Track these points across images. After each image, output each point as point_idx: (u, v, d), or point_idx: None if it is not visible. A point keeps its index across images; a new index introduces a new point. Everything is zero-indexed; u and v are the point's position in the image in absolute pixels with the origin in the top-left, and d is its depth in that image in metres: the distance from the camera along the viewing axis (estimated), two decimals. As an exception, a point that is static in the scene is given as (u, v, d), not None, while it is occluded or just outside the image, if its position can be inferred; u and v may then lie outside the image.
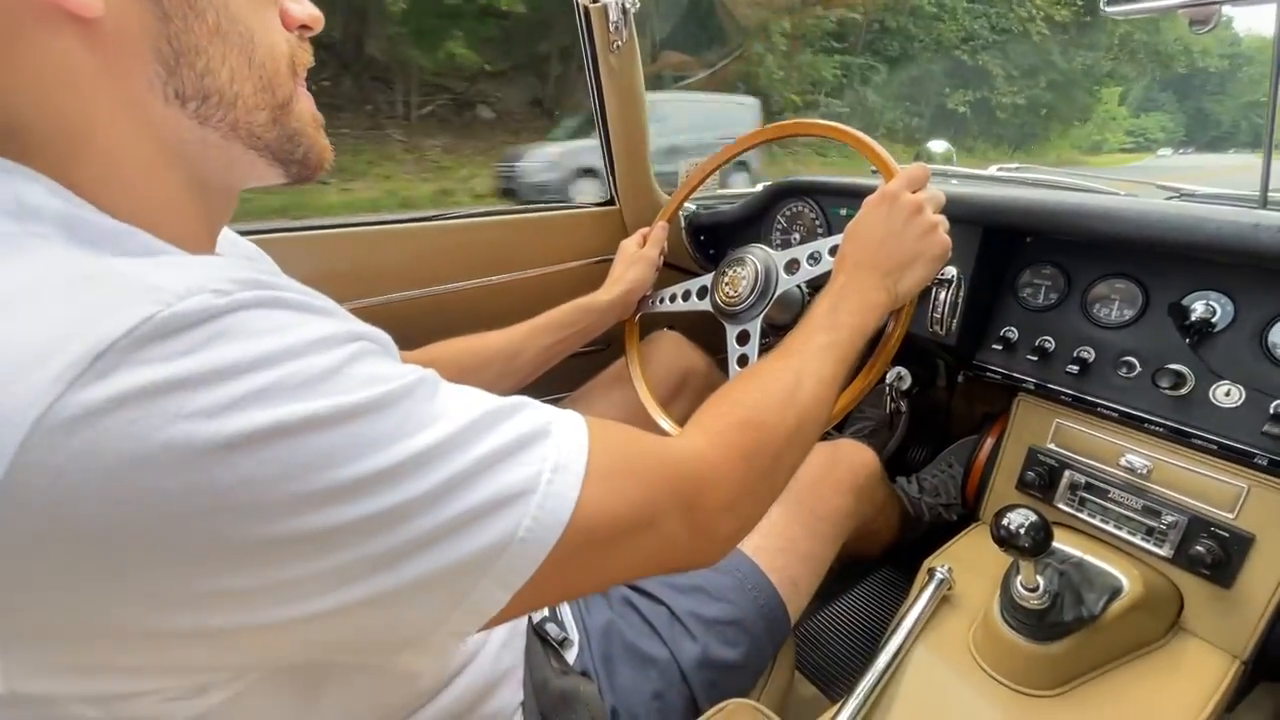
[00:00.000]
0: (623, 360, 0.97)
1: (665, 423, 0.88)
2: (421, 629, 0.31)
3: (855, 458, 0.88)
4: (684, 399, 1.01)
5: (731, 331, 0.85)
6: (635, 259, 0.95)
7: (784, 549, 0.74)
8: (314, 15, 0.40)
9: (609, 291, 0.93)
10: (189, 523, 0.24)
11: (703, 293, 0.91)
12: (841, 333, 0.60)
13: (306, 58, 0.40)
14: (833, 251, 0.76)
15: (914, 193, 0.68)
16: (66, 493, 0.22)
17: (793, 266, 0.80)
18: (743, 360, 0.84)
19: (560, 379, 1.07)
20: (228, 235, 0.52)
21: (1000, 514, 0.58)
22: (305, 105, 0.40)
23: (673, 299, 0.95)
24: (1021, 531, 0.56)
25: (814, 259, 0.78)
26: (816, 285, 0.81)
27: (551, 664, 0.57)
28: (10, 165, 0.30)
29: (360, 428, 0.28)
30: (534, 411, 0.35)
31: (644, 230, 0.99)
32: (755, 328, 0.83)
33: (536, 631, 0.59)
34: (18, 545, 0.23)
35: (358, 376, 0.29)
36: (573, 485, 0.33)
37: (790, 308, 0.88)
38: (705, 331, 0.91)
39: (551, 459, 0.33)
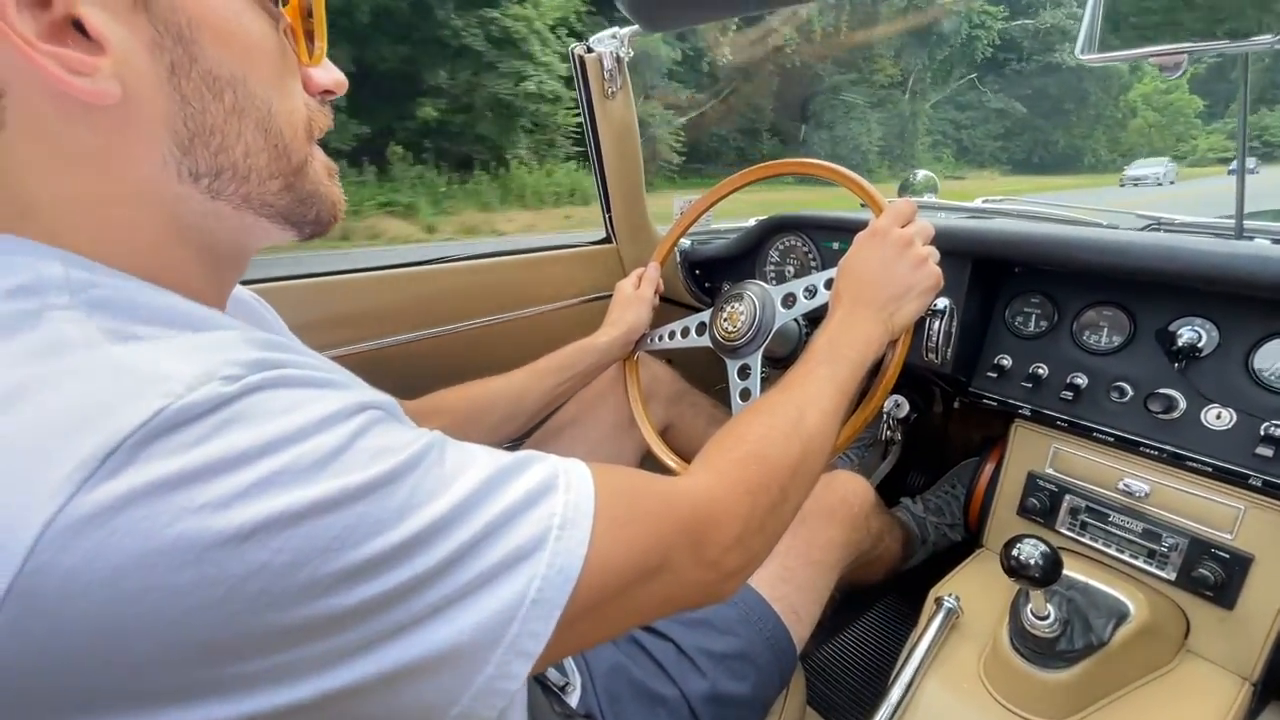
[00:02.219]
0: (606, 381, 0.98)
1: (670, 460, 0.89)
2: (438, 705, 0.30)
3: (849, 488, 0.89)
4: (674, 432, 1.03)
5: (732, 366, 0.87)
6: (631, 301, 0.97)
7: (784, 578, 0.74)
8: (338, 81, 0.40)
9: (607, 334, 0.94)
10: (200, 615, 0.24)
11: (701, 329, 0.92)
12: (841, 365, 0.61)
13: (325, 121, 0.40)
14: (828, 285, 0.78)
15: (903, 227, 0.70)
16: (78, 592, 0.22)
17: (789, 300, 0.82)
18: (745, 394, 0.86)
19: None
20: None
21: (1010, 545, 0.59)
22: (318, 163, 0.40)
23: (671, 336, 0.97)
24: (1032, 562, 0.57)
25: (810, 292, 0.80)
26: (813, 318, 0.83)
27: (554, 709, 0.56)
28: (30, 245, 0.30)
29: (369, 507, 0.28)
30: (540, 467, 0.35)
31: (639, 271, 1.01)
32: (756, 361, 0.85)
33: (535, 678, 0.59)
34: (30, 645, 0.22)
35: (366, 451, 0.29)
36: (581, 540, 0.33)
37: (788, 341, 0.90)
38: (704, 365, 0.92)
39: (559, 514, 0.33)
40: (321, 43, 0.38)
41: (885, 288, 0.68)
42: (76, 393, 0.25)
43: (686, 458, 0.89)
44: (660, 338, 0.98)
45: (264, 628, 0.25)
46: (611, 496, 0.36)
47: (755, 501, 0.46)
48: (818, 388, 0.58)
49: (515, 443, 1.00)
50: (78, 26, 0.29)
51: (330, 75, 0.40)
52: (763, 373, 1.11)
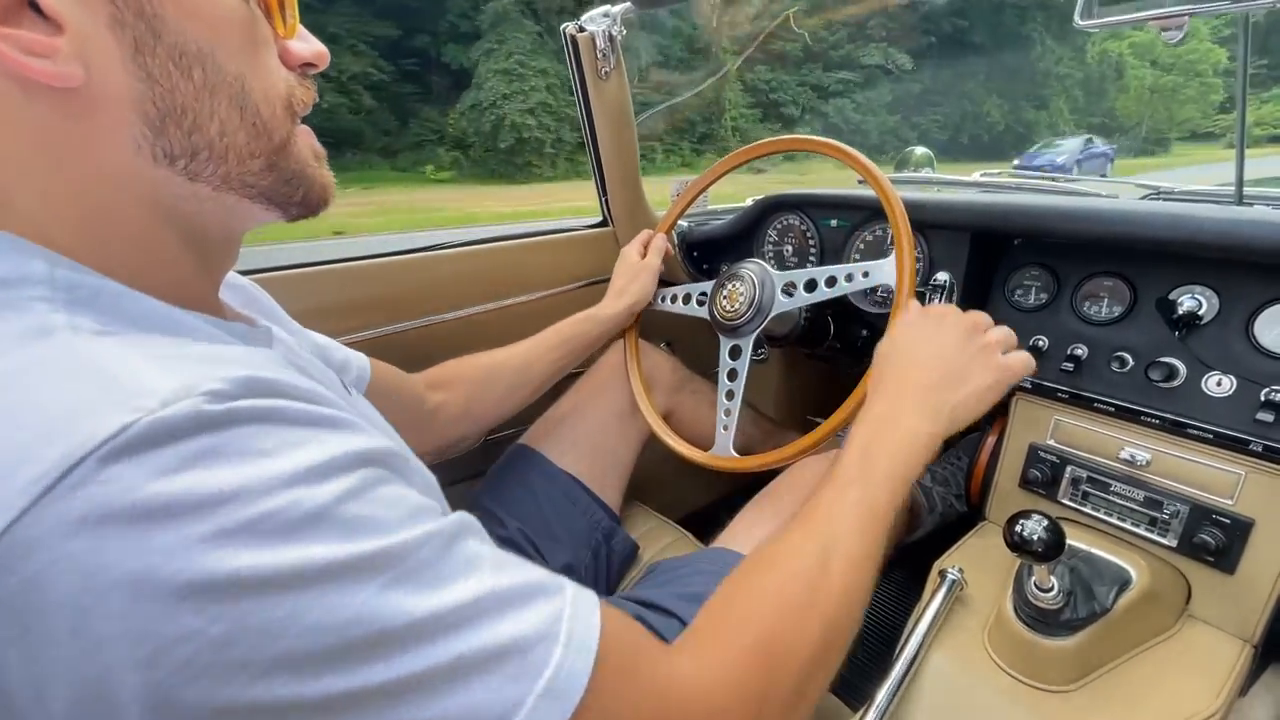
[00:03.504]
0: (607, 371, 0.98)
1: (673, 442, 0.89)
2: None
3: None
4: (676, 418, 1.02)
5: (725, 344, 0.88)
6: (639, 271, 0.96)
7: None
8: (319, 53, 0.39)
9: (614, 305, 0.93)
10: (119, 673, 0.22)
11: (702, 299, 0.93)
12: (878, 485, 0.49)
13: (308, 96, 0.38)
14: (830, 282, 0.78)
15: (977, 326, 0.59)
16: (12, 617, 0.21)
17: (789, 289, 0.82)
18: (732, 374, 0.87)
19: (554, 396, 1.08)
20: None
21: (1013, 520, 0.59)
22: (303, 144, 0.38)
23: (673, 300, 0.97)
24: (1035, 538, 0.57)
25: (810, 286, 0.80)
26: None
27: None
28: (15, 241, 0.29)
29: (331, 593, 0.24)
30: (545, 604, 0.30)
31: (643, 238, 1.00)
32: (748, 344, 0.86)
33: None
34: None
35: (348, 521, 0.26)
36: (559, 716, 0.28)
37: (787, 321, 0.90)
38: (706, 350, 0.92)
39: (546, 677, 0.28)
40: (293, 12, 0.36)
41: (940, 370, 0.54)
42: (47, 391, 0.24)
43: (689, 442, 0.89)
44: (663, 299, 0.98)
45: (181, 702, 0.22)
46: (608, 675, 0.30)
47: (764, 704, 0.39)
48: (846, 523, 0.47)
49: (517, 430, 1.00)
50: (33, 7, 0.27)
51: (309, 47, 0.38)
52: (762, 353, 1.11)
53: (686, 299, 0.95)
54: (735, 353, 0.87)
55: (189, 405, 0.24)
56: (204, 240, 0.36)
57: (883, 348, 0.59)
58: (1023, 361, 0.59)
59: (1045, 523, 0.57)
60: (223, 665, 0.23)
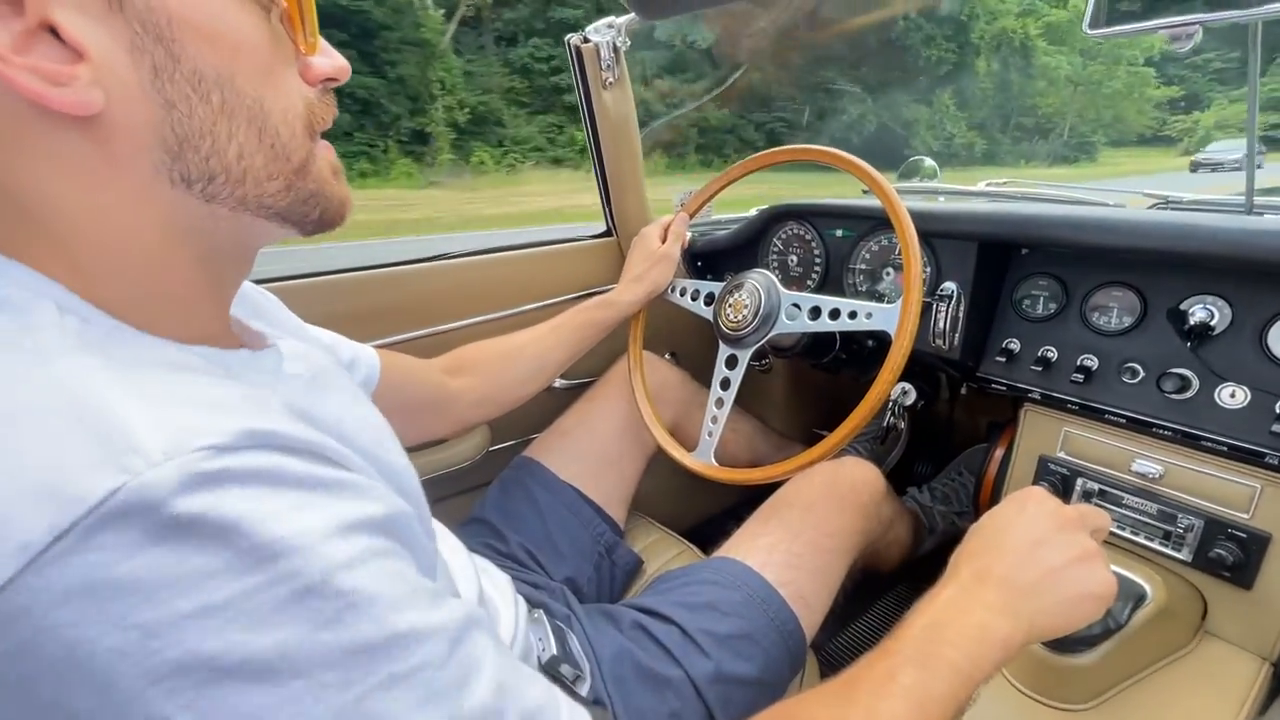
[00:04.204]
0: (613, 383, 0.98)
1: (678, 454, 0.89)
2: None
3: (858, 475, 0.88)
4: (682, 433, 1.01)
5: (724, 352, 0.88)
6: (659, 258, 0.95)
7: (791, 564, 0.74)
8: (340, 67, 0.38)
9: (631, 291, 0.93)
10: None
11: (710, 299, 0.93)
12: (936, 675, 0.41)
13: (328, 113, 0.38)
14: (834, 315, 0.77)
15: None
16: (17, 673, 0.21)
17: (794, 311, 0.82)
18: (725, 383, 0.87)
19: (555, 408, 1.07)
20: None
21: None
22: (323, 161, 0.38)
23: (683, 293, 0.97)
24: None
25: (814, 313, 0.80)
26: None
27: None
28: (27, 276, 0.29)
29: (318, 686, 0.23)
30: None
31: (665, 220, 0.99)
32: (746, 356, 0.86)
33: (548, 671, 0.59)
34: None
35: (341, 602, 0.25)
36: None
37: (790, 333, 0.89)
38: (709, 355, 0.91)
39: None
40: (313, 28, 0.36)
41: (1034, 568, 0.46)
42: (36, 441, 0.23)
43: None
44: (673, 289, 0.98)
45: None
46: None
47: None
48: (893, 707, 0.39)
49: (521, 441, 0.99)
50: (53, 33, 0.27)
51: (331, 62, 0.38)
52: (767, 363, 1.11)
53: (695, 295, 0.95)
54: (732, 362, 0.87)
55: (179, 466, 0.23)
56: (218, 258, 0.37)
57: (975, 527, 0.51)
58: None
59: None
60: None
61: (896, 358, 0.71)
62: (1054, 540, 0.47)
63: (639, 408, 0.93)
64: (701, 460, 0.87)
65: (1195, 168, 14.64)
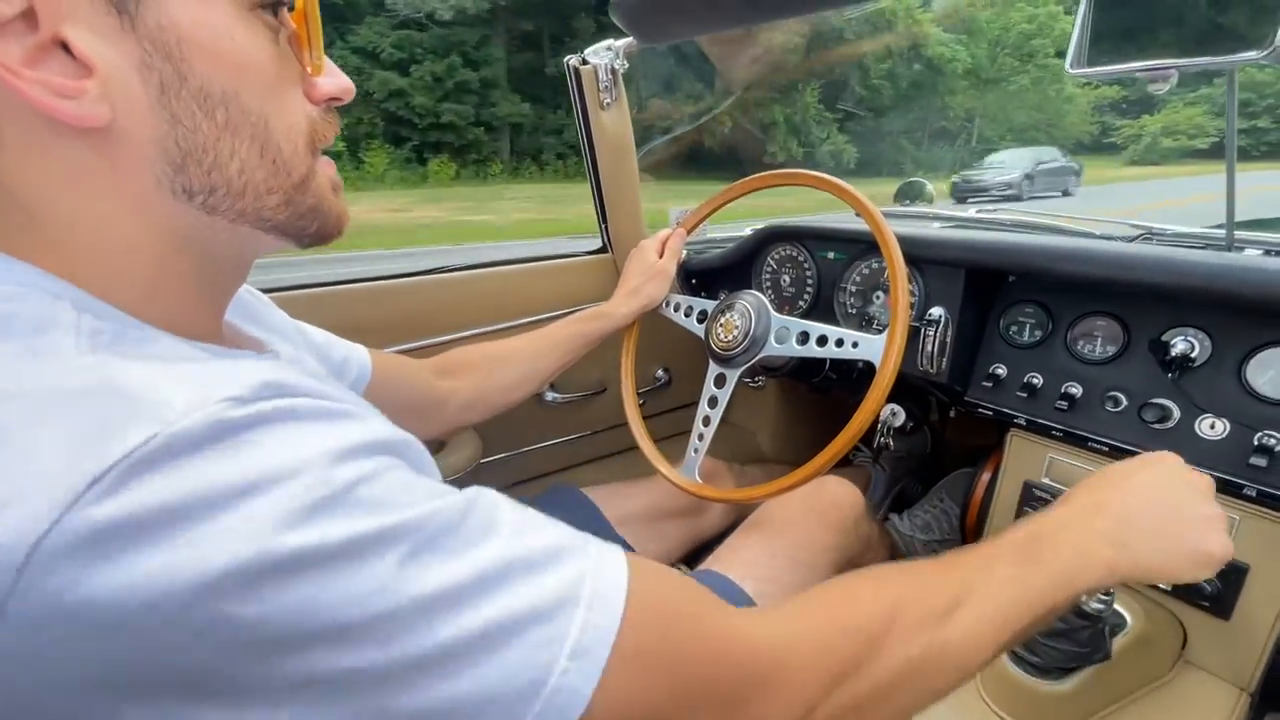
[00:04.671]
0: None
1: (663, 468, 0.89)
2: None
3: (839, 494, 0.89)
4: None
5: (713, 370, 0.89)
6: (655, 273, 0.95)
7: (771, 579, 0.75)
8: (344, 88, 0.39)
9: (626, 305, 0.93)
10: (165, 657, 0.23)
11: (702, 316, 0.93)
12: (1035, 572, 0.42)
13: (330, 131, 0.39)
14: (821, 341, 0.79)
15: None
16: (62, 618, 0.22)
17: (783, 334, 0.82)
18: (712, 401, 0.88)
19: (557, 425, 1.08)
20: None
21: None
22: (323, 177, 0.39)
23: (677, 308, 0.97)
24: None
25: (803, 338, 0.81)
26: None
27: None
28: (42, 279, 0.30)
29: (351, 568, 0.25)
30: (566, 567, 0.30)
31: (662, 235, 0.99)
32: (734, 376, 0.86)
33: None
34: (31, 664, 0.23)
35: (365, 501, 0.27)
36: (588, 680, 0.28)
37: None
38: (700, 373, 0.92)
39: (572, 639, 0.28)
40: (319, 50, 0.37)
41: (1152, 516, 0.46)
42: (71, 413, 0.25)
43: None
44: (667, 304, 0.98)
45: (220, 682, 0.24)
46: (639, 626, 0.30)
47: (835, 684, 0.35)
48: (989, 586, 0.41)
49: (512, 454, 0.99)
50: (64, 48, 0.28)
51: (336, 83, 0.38)
52: (759, 381, 1.12)
53: (689, 312, 0.96)
54: (720, 381, 0.88)
55: (209, 413, 0.25)
56: (216, 266, 0.37)
57: (1107, 469, 0.52)
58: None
59: None
60: (258, 645, 0.24)
61: (879, 390, 0.72)
62: (1182, 493, 0.47)
63: (631, 426, 0.94)
64: (686, 477, 0.88)
65: (959, 193, 11.19)
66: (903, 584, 0.41)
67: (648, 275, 0.95)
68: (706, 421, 0.89)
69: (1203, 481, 0.50)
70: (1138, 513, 0.46)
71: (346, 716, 0.26)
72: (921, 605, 0.39)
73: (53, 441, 0.24)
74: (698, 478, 0.87)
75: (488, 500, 0.32)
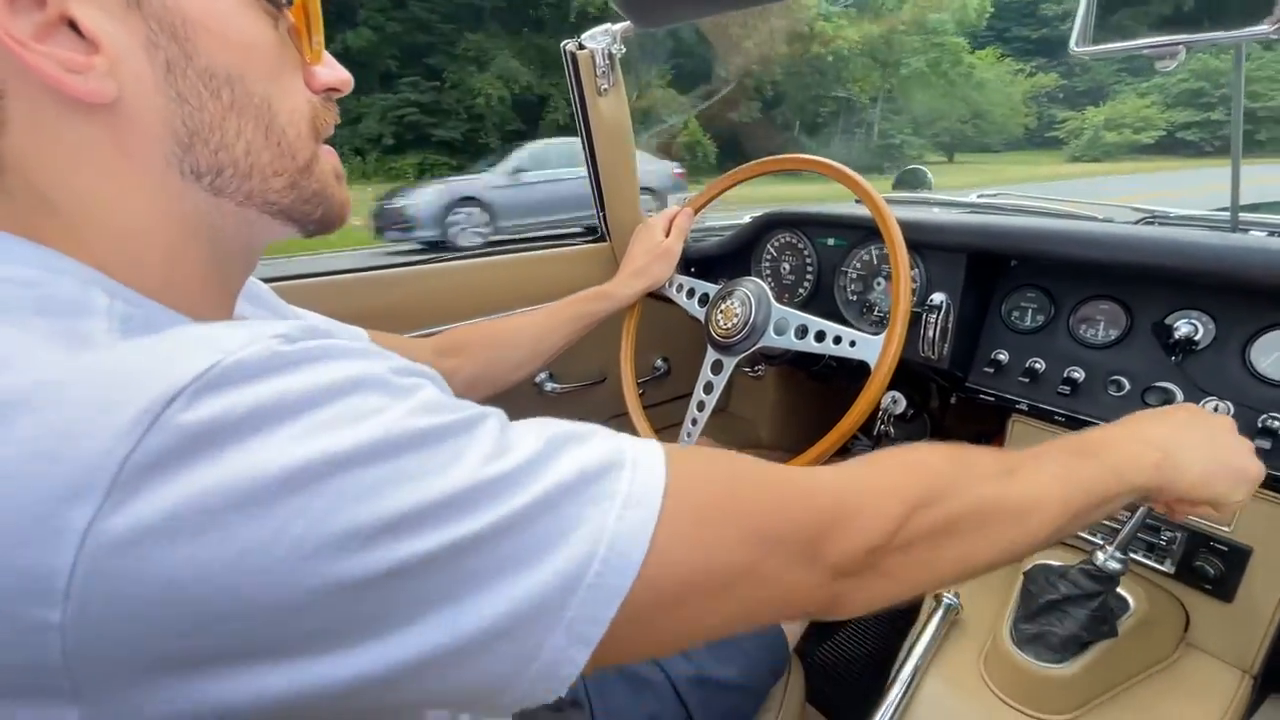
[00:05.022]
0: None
1: (645, 430, 0.89)
2: (492, 686, 0.28)
3: None
4: None
5: (710, 356, 0.88)
6: (661, 253, 0.94)
7: None
8: (343, 79, 0.40)
9: (630, 285, 0.93)
10: (250, 560, 0.24)
11: (704, 300, 0.93)
12: (1085, 464, 0.46)
13: (331, 119, 0.40)
14: (819, 337, 0.78)
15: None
16: (144, 541, 0.23)
17: (782, 326, 0.82)
18: (708, 387, 0.88)
19: (557, 415, 1.07)
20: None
21: None
22: (326, 163, 0.40)
23: (679, 289, 0.96)
24: None
25: (801, 332, 0.80)
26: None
27: None
28: (74, 266, 0.31)
29: (416, 457, 0.27)
30: (604, 440, 0.32)
31: (670, 213, 0.97)
32: (730, 363, 0.86)
33: None
34: (110, 597, 0.23)
35: (419, 405, 0.28)
36: (645, 525, 0.30)
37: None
38: (699, 362, 0.92)
39: (622, 494, 0.30)
40: (319, 39, 0.38)
41: (1195, 431, 0.51)
42: (134, 353, 0.26)
43: None
44: (670, 285, 0.97)
45: (307, 580, 0.24)
46: (689, 483, 0.32)
47: (911, 511, 0.37)
48: (1045, 468, 0.44)
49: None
50: (72, 26, 0.29)
51: (334, 74, 0.39)
52: (760, 370, 1.11)
53: (691, 294, 0.95)
54: (717, 367, 0.88)
55: (264, 346, 0.26)
56: (225, 254, 0.38)
57: (1171, 408, 0.57)
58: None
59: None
60: (332, 536, 0.25)
61: (877, 383, 0.71)
62: (1215, 423, 0.52)
63: (628, 406, 0.93)
64: None
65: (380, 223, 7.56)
66: (968, 454, 0.43)
67: (653, 255, 0.94)
68: (701, 407, 0.88)
69: (1228, 420, 0.54)
70: (1179, 432, 0.51)
71: (412, 594, 0.26)
72: (982, 465, 0.42)
73: (120, 381, 0.25)
74: None
75: (506, 419, 0.34)
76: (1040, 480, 0.43)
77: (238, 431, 0.24)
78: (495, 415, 0.32)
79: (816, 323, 0.79)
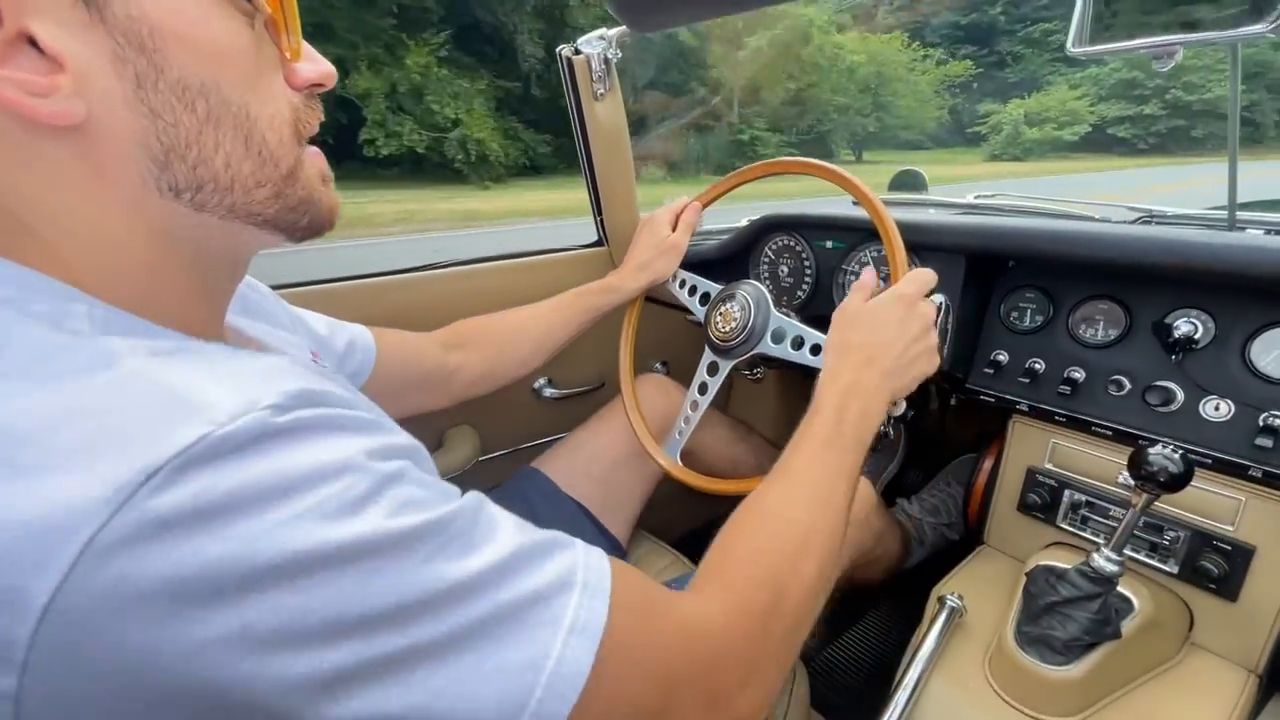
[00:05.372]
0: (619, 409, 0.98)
1: (639, 426, 0.89)
2: None
3: None
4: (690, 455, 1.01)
5: (707, 357, 0.88)
6: (668, 248, 0.93)
7: None
8: (326, 73, 0.38)
9: (635, 279, 0.92)
10: (211, 649, 0.24)
11: (705, 298, 0.92)
12: (849, 450, 0.56)
13: (314, 118, 0.38)
14: (815, 350, 0.77)
15: (924, 298, 0.68)
16: (109, 610, 0.23)
17: (779, 334, 0.81)
18: (703, 388, 0.88)
19: (555, 421, 1.07)
20: None
21: (1140, 451, 0.57)
22: (311, 168, 0.38)
23: (682, 284, 0.96)
24: (1159, 467, 0.57)
25: (798, 344, 0.79)
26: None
27: None
28: (47, 282, 0.30)
29: (387, 562, 0.27)
30: (562, 555, 0.34)
31: (676, 206, 0.96)
32: (726, 366, 0.86)
33: None
34: (69, 663, 0.23)
35: (395, 500, 0.29)
36: (588, 653, 0.31)
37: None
38: (698, 362, 0.92)
39: (569, 618, 0.32)
40: (297, 34, 0.36)
41: (899, 357, 0.63)
42: (125, 410, 0.25)
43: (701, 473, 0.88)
44: (674, 278, 0.96)
45: (263, 674, 0.25)
46: (627, 607, 0.34)
47: (767, 634, 0.43)
48: (828, 480, 0.54)
49: (514, 449, 0.98)
50: (33, 43, 0.27)
51: (316, 68, 0.37)
52: (759, 372, 1.11)
53: (693, 290, 0.94)
54: (713, 369, 0.88)
55: (255, 419, 0.26)
56: (210, 266, 0.37)
57: (854, 318, 0.66)
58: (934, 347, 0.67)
59: (1179, 452, 0.56)
60: (303, 633, 0.25)
61: None
62: (917, 336, 0.64)
63: (624, 401, 0.93)
64: (668, 457, 0.88)
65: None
66: (779, 516, 0.50)
67: (658, 250, 0.93)
68: (694, 407, 0.88)
69: (912, 293, 0.66)
70: (897, 361, 0.63)
71: (369, 703, 0.27)
72: (797, 526, 0.49)
73: (103, 439, 0.24)
74: (678, 459, 0.88)
75: (486, 502, 0.35)
76: (833, 500, 0.52)
77: (210, 519, 0.24)
78: (469, 510, 0.32)
79: (813, 335, 0.78)
